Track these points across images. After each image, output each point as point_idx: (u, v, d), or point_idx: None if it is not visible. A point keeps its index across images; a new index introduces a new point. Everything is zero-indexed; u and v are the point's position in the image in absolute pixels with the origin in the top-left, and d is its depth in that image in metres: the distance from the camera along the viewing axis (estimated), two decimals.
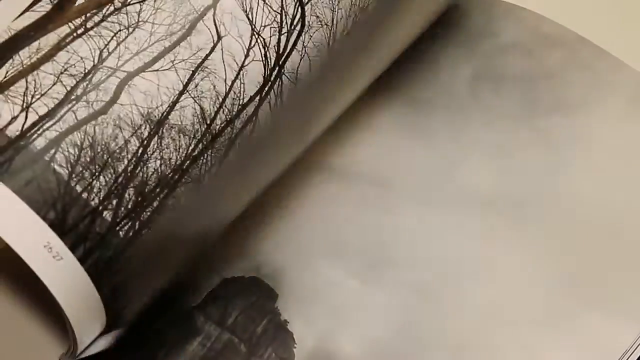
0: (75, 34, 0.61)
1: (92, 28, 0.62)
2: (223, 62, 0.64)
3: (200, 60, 0.64)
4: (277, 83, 0.67)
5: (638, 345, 0.75)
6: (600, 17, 0.83)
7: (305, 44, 0.68)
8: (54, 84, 0.60)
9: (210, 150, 0.64)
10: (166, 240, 0.63)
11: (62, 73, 0.60)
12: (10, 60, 0.61)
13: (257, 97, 0.66)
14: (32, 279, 0.59)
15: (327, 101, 0.73)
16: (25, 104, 0.59)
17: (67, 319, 0.59)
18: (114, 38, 0.62)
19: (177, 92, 0.63)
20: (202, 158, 0.64)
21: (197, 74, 0.63)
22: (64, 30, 0.61)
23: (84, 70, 0.61)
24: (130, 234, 0.61)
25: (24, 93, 0.59)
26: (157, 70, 0.62)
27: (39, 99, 0.59)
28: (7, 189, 0.56)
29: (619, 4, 0.85)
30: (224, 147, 0.65)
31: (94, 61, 0.61)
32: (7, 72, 0.60)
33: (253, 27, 0.66)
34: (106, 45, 0.62)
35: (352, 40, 0.69)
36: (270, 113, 0.67)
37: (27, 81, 0.60)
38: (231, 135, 0.65)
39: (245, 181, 0.69)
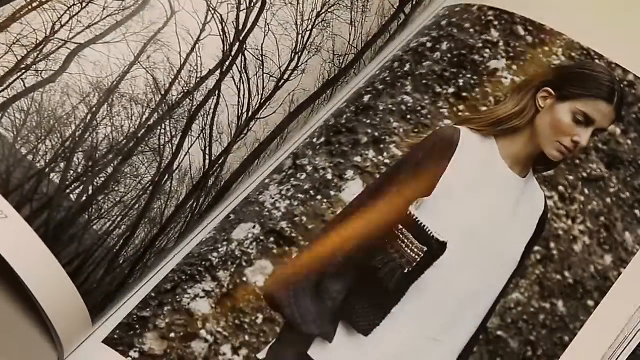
0: (30, 7, 0.64)
1: (47, 2, 0.64)
2: (177, 35, 0.65)
3: (153, 33, 0.65)
4: (239, 58, 0.68)
5: (638, 331, 0.70)
6: None
7: (268, 22, 0.69)
8: (6, 53, 0.62)
9: (168, 121, 0.64)
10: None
11: (14, 43, 0.63)
12: None
13: (218, 71, 0.67)
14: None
15: None
16: None
17: (20, 278, 0.60)
18: (68, 12, 0.64)
19: (128, 63, 0.64)
20: (159, 128, 0.64)
21: (149, 46, 0.64)
22: (19, 2, 0.64)
23: (36, 42, 0.63)
24: (84, 198, 0.61)
25: None
26: (108, 42, 0.64)
27: None
28: None
29: None
30: (184, 118, 0.65)
31: (46, 33, 0.63)
32: None
33: (209, 3, 0.67)
34: (59, 18, 0.64)
35: None
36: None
37: None
38: (191, 107, 0.66)
39: None
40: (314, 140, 0.76)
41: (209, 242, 0.72)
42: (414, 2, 0.81)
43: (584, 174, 0.74)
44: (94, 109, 0.62)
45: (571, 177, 0.74)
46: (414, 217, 0.68)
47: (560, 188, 0.73)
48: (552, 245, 0.72)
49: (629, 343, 0.69)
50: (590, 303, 0.71)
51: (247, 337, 0.68)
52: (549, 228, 0.72)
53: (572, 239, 0.72)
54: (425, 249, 0.67)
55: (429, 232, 0.68)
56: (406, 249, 0.68)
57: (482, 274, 0.69)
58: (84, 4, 0.65)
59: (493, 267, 0.69)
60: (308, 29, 0.71)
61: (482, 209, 0.69)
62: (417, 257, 0.68)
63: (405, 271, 0.67)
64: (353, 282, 0.68)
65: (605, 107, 0.71)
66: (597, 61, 0.76)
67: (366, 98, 0.78)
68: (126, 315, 0.69)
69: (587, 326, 0.70)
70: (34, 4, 0.64)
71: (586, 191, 0.74)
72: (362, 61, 0.79)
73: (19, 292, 0.67)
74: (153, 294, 0.70)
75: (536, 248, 0.71)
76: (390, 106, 0.76)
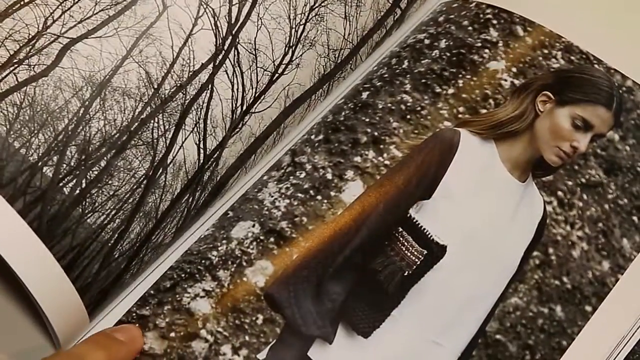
0: (22, 2, 0.64)
1: None
2: (169, 29, 0.66)
3: (145, 27, 0.65)
4: (232, 52, 0.68)
5: (635, 332, 0.70)
6: None
7: (260, 16, 0.69)
8: None
9: (161, 114, 0.65)
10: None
11: (6, 38, 0.63)
12: None
13: (210, 65, 0.67)
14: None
15: None
16: None
17: (13, 270, 0.60)
18: (60, 7, 0.64)
19: (121, 57, 0.64)
20: (152, 121, 0.64)
21: (141, 40, 0.65)
22: None
23: (28, 36, 0.63)
24: (77, 191, 0.61)
25: None
26: (101, 36, 0.64)
27: None
28: None
29: None
30: (177, 112, 0.65)
31: (38, 28, 0.64)
32: None
33: None
34: (51, 13, 0.64)
35: None
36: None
37: None
38: (184, 101, 0.66)
39: None
40: (312, 137, 0.76)
41: (207, 239, 0.72)
42: None
43: (583, 180, 0.74)
44: (87, 102, 0.62)
45: (570, 183, 0.73)
46: (414, 220, 0.68)
47: (559, 193, 0.73)
48: (551, 250, 0.72)
49: (624, 346, 0.69)
50: (588, 308, 0.71)
51: (247, 338, 0.68)
52: (548, 233, 0.72)
53: (571, 244, 0.72)
54: (425, 252, 0.67)
55: (429, 235, 0.68)
56: (406, 251, 0.68)
57: (481, 278, 0.69)
58: None
59: (492, 271, 0.69)
60: (301, 23, 0.72)
61: (482, 212, 0.69)
62: (416, 260, 0.68)
63: (405, 274, 0.67)
64: (353, 284, 0.68)
65: (604, 113, 0.71)
66: (596, 66, 0.76)
67: (364, 95, 0.78)
68: (125, 312, 0.69)
69: (585, 331, 0.70)
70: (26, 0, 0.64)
71: (585, 197, 0.74)
72: (359, 56, 0.79)
73: (16, 287, 0.68)
74: (152, 292, 0.70)
75: (535, 253, 0.71)
76: (389, 105, 0.76)
